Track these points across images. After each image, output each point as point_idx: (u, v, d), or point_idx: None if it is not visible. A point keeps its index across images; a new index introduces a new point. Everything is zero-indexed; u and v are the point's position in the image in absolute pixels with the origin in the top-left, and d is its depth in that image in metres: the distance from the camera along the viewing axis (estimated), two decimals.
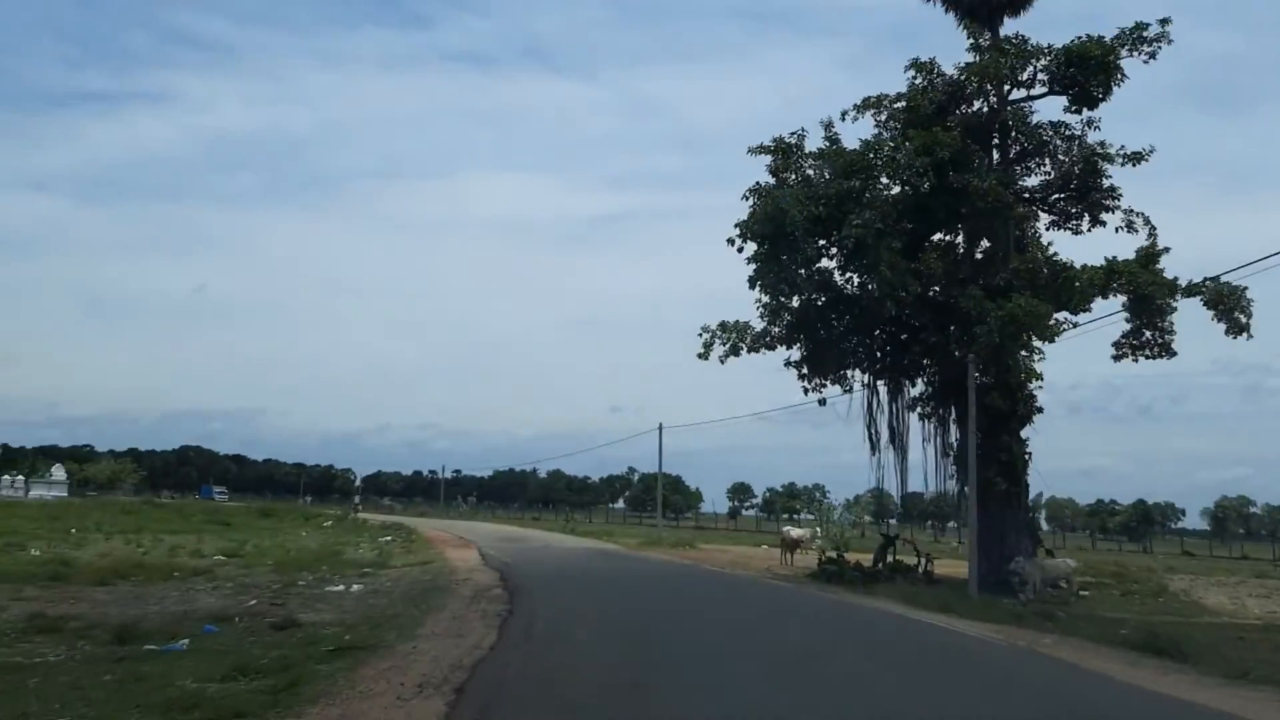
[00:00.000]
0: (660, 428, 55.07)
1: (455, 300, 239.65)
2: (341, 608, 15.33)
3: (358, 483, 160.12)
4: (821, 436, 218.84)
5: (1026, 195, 27.64)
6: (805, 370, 27.83)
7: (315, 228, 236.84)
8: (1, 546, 28.11)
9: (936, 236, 28.23)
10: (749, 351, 27.80)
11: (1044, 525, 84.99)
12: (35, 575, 19.57)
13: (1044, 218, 27.91)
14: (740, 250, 25.58)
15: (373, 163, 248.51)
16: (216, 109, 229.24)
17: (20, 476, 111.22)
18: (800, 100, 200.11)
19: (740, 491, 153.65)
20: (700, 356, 27.94)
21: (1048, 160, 27.55)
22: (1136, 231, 25.74)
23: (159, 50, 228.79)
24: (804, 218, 23.69)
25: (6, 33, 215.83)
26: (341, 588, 18.72)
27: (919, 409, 29.06)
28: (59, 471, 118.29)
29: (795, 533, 36.85)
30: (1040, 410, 26.83)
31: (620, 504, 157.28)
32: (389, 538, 38.72)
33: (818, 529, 42.33)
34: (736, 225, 25.43)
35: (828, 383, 28.31)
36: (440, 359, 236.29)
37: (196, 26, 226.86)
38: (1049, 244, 27.99)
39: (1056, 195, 27.47)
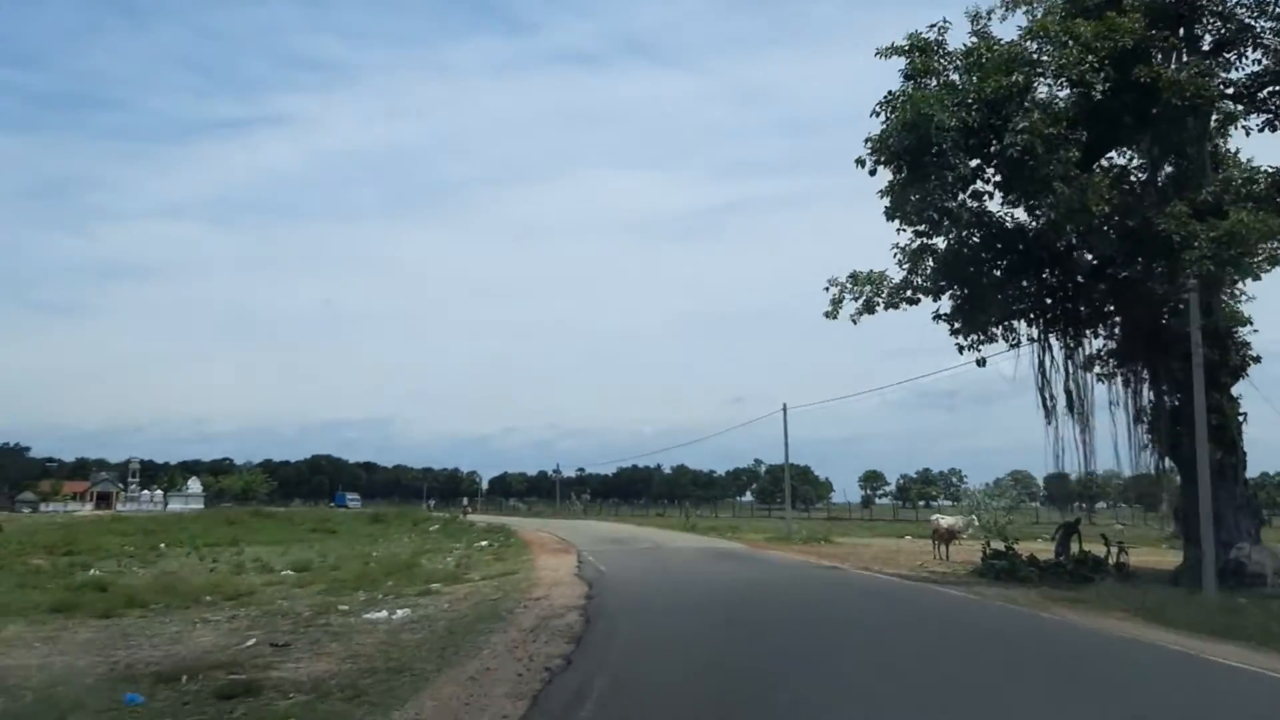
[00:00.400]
0: (785, 409, 50.20)
1: (576, 300, 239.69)
2: (355, 650, 11.39)
3: (482, 485, 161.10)
4: (954, 420, 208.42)
5: (1231, 91, 22.11)
6: (958, 324, 22.65)
7: (435, 237, 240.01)
8: (65, 567, 26.25)
9: (1112, 156, 23.07)
10: (886, 307, 22.89)
11: None
12: (39, 605, 16.64)
13: (1254, 119, 22.34)
14: (872, 174, 20.46)
15: (487, 169, 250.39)
16: (335, 127, 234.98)
17: (159, 491, 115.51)
18: None
19: (872, 479, 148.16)
20: (828, 315, 23.25)
21: (1253, 48, 22.17)
22: None
23: (279, 75, 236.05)
24: (954, 125, 18.64)
25: (140, 68, 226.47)
26: (384, 613, 14.93)
27: (1096, 368, 24.13)
28: (195, 485, 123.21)
29: (946, 522, 31.96)
30: (1258, 360, 22.09)
31: (747, 497, 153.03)
32: (484, 543, 35.14)
33: (972, 517, 37.47)
34: (867, 142, 20.30)
35: (985, 338, 23.17)
36: (563, 359, 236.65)
37: (312, 49, 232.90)
38: (1248, 159, 22.70)
39: (1269, 89, 21.94)
